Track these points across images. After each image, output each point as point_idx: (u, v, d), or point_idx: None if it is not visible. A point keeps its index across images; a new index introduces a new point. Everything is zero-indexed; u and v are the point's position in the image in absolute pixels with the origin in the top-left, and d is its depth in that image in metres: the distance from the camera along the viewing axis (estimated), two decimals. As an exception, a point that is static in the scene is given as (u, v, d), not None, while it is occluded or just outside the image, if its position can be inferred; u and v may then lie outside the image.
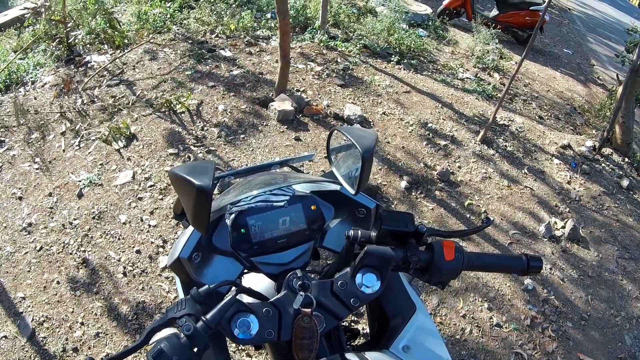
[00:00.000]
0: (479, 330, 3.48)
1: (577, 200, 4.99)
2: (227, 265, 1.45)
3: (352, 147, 1.46)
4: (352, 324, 3.34)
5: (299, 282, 1.22)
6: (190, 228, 1.40)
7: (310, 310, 1.16)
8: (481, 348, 3.37)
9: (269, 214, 1.46)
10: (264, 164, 1.78)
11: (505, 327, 3.55)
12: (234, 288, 1.23)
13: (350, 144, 1.45)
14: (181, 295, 1.45)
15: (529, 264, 1.28)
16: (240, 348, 3.07)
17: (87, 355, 3.08)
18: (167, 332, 1.09)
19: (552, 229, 4.47)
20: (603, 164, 5.75)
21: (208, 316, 1.08)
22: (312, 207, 1.51)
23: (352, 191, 1.50)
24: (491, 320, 3.57)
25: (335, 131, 1.60)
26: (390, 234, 1.27)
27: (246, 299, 1.34)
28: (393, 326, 1.36)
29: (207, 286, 1.16)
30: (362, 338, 1.66)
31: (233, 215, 1.42)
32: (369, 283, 1.22)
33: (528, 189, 4.97)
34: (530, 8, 9.59)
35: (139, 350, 1.06)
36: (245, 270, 1.51)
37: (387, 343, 1.32)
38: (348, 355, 1.17)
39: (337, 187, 1.56)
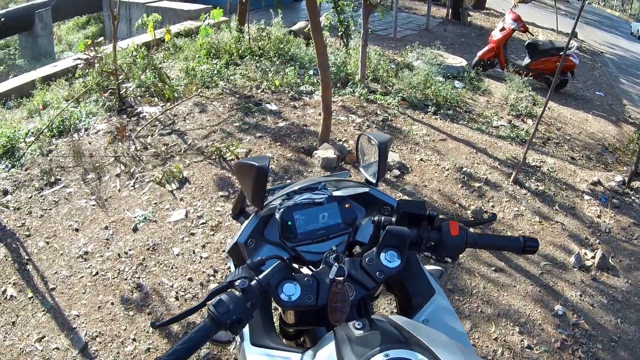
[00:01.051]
0: (510, 352, 3.69)
1: (607, 232, 5.22)
2: (275, 253, 1.63)
3: (373, 145, 1.82)
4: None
5: (334, 255, 1.39)
6: (246, 221, 1.68)
7: (342, 277, 1.33)
8: (513, 368, 3.61)
9: (311, 210, 1.71)
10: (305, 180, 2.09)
11: (536, 349, 3.75)
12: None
13: (373, 145, 1.83)
14: None
15: (525, 244, 1.49)
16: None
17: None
18: None
19: (582, 259, 4.71)
20: (633, 197, 5.97)
21: (260, 276, 1.27)
22: (347, 205, 1.77)
23: (373, 181, 1.84)
24: (522, 342, 3.78)
25: (362, 135, 1.96)
26: (407, 217, 1.49)
27: None
28: (415, 304, 1.57)
29: (260, 257, 1.37)
30: None
31: (282, 210, 1.68)
32: (391, 259, 1.41)
33: (559, 224, 5.23)
34: (561, 53, 9.62)
35: (199, 310, 1.24)
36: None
37: (409, 317, 1.50)
38: (374, 316, 1.31)
39: (367, 189, 1.80)
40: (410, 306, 1.59)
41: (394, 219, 1.54)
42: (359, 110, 7.03)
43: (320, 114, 5.83)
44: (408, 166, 5.83)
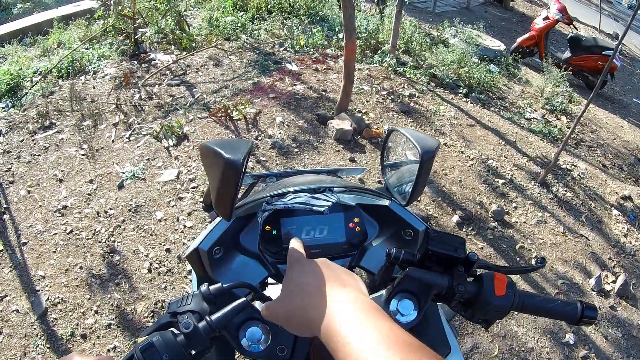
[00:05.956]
0: (512, 380, 3.36)
1: (631, 255, 4.84)
2: (251, 269, 1.30)
3: (410, 151, 1.33)
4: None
5: None
6: (217, 220, 1.29)
7: None
8: (512, 399, 3.25)
9: (306, 219, 1.33)
10: (311, 169, 1.66)
11: (541, 380, 3.42)
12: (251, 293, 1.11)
13: (407, 149, 1.33)
14: None
15: (582, 313, 1.08)
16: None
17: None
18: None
19: (602, 283, 4.34)
20: (663, 222, 5.56)
21: (214, 317, 0.94)
22: (355, 220, 1.37)
23: (402, 202, 1.38)
24: (527, 371, 3.45)
25: (395, 131, 1.43)
26: (436, 258, 1.07)
27: None
28: None
29: (220, 284, 1.02)
30: None
31: (266, 214, 1.29)
32: (404, 311, 1.02)
33: (583, 238, 4.85)
34: (603, 52, 9.37)
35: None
36: (270, 280, 1.38)
37: None
38: None
39: (387, 203, 1.39)
40: None
41: (417, 256, 1.10)
42: (385, 82, 6.63)
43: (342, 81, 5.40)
44: (430, 150, 5.37)
